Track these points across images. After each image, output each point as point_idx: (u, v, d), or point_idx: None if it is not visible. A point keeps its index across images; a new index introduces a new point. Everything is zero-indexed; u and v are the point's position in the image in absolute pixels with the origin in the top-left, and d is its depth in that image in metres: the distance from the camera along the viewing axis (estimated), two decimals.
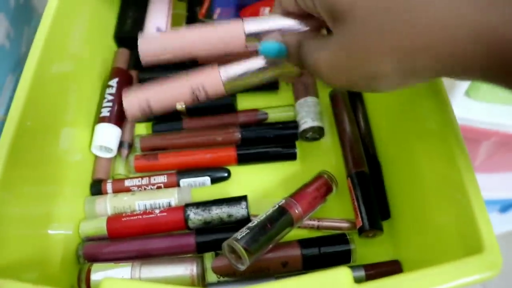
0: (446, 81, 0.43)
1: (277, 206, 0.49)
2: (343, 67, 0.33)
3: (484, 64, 0.28)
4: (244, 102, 0.61)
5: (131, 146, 0.58)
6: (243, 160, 0.56)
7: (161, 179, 0.55)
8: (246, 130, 0.57)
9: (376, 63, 0.31)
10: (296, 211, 0.48)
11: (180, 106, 0.55)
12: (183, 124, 0.59)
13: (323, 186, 0.51)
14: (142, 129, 0.61)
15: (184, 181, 0.55)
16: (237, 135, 0.56)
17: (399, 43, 0.30)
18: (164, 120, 0.60)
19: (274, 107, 0.60)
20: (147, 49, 0.44)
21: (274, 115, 0.59)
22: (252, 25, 0.40)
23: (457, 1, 0.28)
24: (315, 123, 0.56)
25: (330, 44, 0.34)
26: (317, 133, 0.57)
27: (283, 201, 0.49)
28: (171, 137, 0.58)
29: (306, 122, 0.56)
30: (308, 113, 0.57)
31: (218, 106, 0.59)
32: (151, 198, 0.53)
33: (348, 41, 0.32)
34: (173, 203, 0.53)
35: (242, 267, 0.44)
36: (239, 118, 0.59)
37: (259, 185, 0.56)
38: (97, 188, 0.55)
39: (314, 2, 0.34)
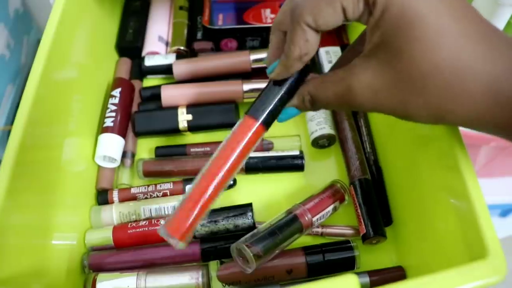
0: None
1: (288, 212, 0.49)
2: (390, 89, 0.34)
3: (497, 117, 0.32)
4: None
5: (134, 155, 0.59)
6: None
7: (167, 186, 0.55)
8: (252, 158, 0.56)
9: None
10: (306, 218, 0.48)
11: (182, 126, 0.56)
12: (186, 149, 0.59)
13: (335, 195, 0.52)
14: (143, 143, 0.61)
15: (189, 187, 0.55)
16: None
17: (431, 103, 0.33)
18: (167, 144, 0.60)
19: (280, 136, 0.59)
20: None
21: (281, 144, 0.59)
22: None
23: (492, 77, 0.31)
24: (332, 131, 0.57)
25: (371, 66, 0.34)
26: (329, 140, 0.58)
27: (294, 208, 0.49)
28: (174, 162, 0.57)
29: (324, 128, 0.57)
30: (326, 120, 0.57)
31: (220, 124, 0.59)
32: (157, 203, 0.53)
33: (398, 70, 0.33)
34: None
35: (249, 270, 0.45)
36: None
37: (265, 193, 0.56)
38: (103, 197, 0.55)
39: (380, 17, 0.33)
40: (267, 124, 0.38)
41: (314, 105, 0.39)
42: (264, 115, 0.38)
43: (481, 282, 0.33)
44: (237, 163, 0.38)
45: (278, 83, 0.38)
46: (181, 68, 0.61)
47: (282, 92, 0.38)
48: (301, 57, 0.36)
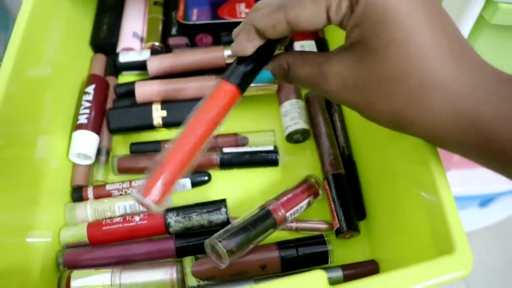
0: None
1: (261, 208, 0.49)
2: (359, 86, 0.35)
3: (476, 149, 0.32)
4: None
5: (109, 152, 0.58)
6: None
7: (142, 182, 0.55)
8: (226, 154, 0.56)
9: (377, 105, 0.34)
10: (280, 213, 0.49)
11: (157, 122, 0.56)
12: (161, 145, 0.58)
13: (309, 189, 0.52)
14: (119, 140, 0.61)
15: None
16: (216, 159, 0.56)
17: (392, 108, 0.34)
18: (142, 140, 0.60)
19: (255, 131, 0.59)
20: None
21: (255, 139, 0.59)
22: None
23: (456, 95, 0.31)
24: (306, 126, 0.57)
25: (346, 59, 0.35)
26: (303, 135, 0.58)
27: (268, 203, 0.50)
28: (149, 159, 0.57)
29: (298, 123, 0.57)
30: (300, 114, 0.57)
31: None
32: (132, 200, 0.53)
33: (372, 68, 0.34)
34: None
35: (223, 266, 0.45)
36: (219, 142, 0.58)
37: (239, 188, 0.57)
38: (78, 194, 0.55)
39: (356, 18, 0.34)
40: (242, 88, 0.38)
41: (287, 76, 0.40)
42: (239, 78, 0.38)
43: (448, 276, 0.34)
44: (213, 126, 0.37)
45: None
46: (155, 64, 0.61)
47: (255, 57, 0.39)
48: (261, 31, 0.36)
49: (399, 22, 0.31)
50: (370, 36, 0.33)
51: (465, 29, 0.53)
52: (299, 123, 0.56)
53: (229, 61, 0.60)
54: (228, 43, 0.65)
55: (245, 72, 0.38)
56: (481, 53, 0.33)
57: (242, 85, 0.38)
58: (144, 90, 0.58)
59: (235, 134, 0.58)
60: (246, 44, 0.37)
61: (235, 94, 0.38)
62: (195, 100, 0.58)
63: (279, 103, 0.60)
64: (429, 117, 0.32)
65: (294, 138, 0.58)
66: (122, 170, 0.56)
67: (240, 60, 0.39)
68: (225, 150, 0.56)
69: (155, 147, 0.58)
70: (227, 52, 0.60)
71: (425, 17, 0.32)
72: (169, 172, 0.36)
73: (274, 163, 0.56)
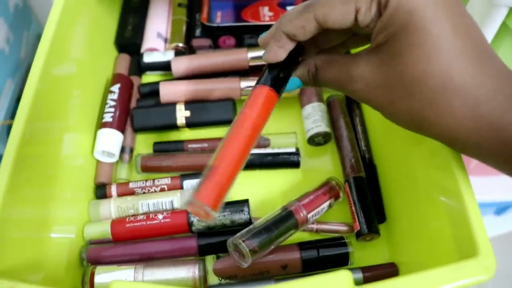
0: None
1: (283, 208, 0.50)
2: (382, 85, 0.36)
3: (495, 153, 0.33)
4: None
5: (132, 151, 0.59)
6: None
7: (165, 181, 0.55)
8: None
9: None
10: (302, 214, 0.49)
11: (180, 122, 0.56)
12: (184, 145, 0.59)
13: (330, 191, 0.53)
14: (142, 139, 0.62)
15: (187, 183, 0.56)
16: None
17: (414, 108, 0.34)
18: (165, 140, 0.61)
19: (277, 133, 0.60)
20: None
21: (277, 141, 0.60)
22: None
23: (477, 100, 0.32)
24: (327, 129, 0.57)
25: (372, 60, 0.36)
26: (325, 138, 0.58)
27: (290, 204, 0.50)
28: (172, 158, 0.57)
29: (320, 126, 0.57)
30: (322, 118, 0.58)
31: (218, 121, 0.59)
32: (154, 198, 0.54)
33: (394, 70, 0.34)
34: (175, 202, 0.53)
35: (245, 265, 0.46)
36: None
37: (261, 189, 0.57)
38: (101, 191, 0.56)
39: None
40: (278, 91, 0.39)
41: (316, 80, 0.41)
42: (275, 82, 0.39)
43: (471, 279, 0.34)
44: (257, 130, 0.38)
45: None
46: (180, 65, 0.61)
47: (286, 62, 0.40)
48: (291, 34, 0.38)
49: (424, 27, 0.32)
50: (395, 39, 0.33)
51: (488, 36, 0.54)
52: (320, 126, 0.57)
53: (252, 63, 0.61)
54: (251, 45, 0.65)
55: (279, 76, 0.39)
56: (504, 60, 0.34)
57: (278, 89, 0.39)
58: (169, 90, 0.59)
59: None
60: (278, 50, 0.38)
61: (273, 97, 0.39)
62: (219, 101, 0.59)
63: (301, 106, 0.60)
64: (450, 118, 0.33)
65: (315, 141, 0.58)
66: (145, 169, 0.57)
67: (272, 66, 0.39)
68: None
69: (178, 146, 0.59)
70: (251, 54, 0.61)
71: (450, 22, 0.32)
72: (223, 176, 0.36)
73: (295, 165, 0.57)
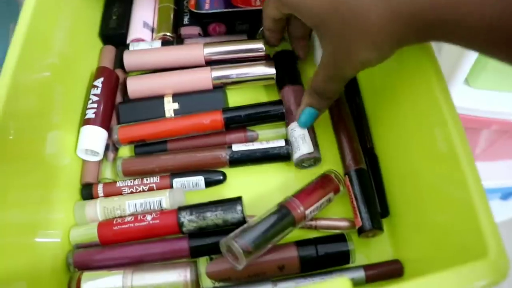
0: (445, 71, 0.42)
1: (279, 205, 0.47)
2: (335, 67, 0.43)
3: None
4: (235, 97, 0.59)
5: (117, 148, 0.56)
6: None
7: (154, 179, 0.53)
8: (235, 151, 0.53)
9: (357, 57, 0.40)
10: (299, 211, 0.47)
11: (169, 115, 0.54)
12: (167, 146, 0.56)
13: (329, 185, 0.50)
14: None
15: (177, 181, 0.53)
16: (225, 156, 0.53)
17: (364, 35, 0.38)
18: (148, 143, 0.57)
19: (264, 126, 0.57)
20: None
21: (265, 135, 0.56)
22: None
23: None
24: (317, 154, 0.53)
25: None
26: (314, 161, 0.55)
27: (286, 200, 0.48)
28: (155, 160, 0.54)
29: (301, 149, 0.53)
30: (306, 138, 0.54)
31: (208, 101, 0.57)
32: (142, 198, 0.51)
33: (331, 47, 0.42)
34: (164, 202, 0.51)
35: (239, 267, 0.44)
36: (227, 138, 0.56)
37: (254, 185, 0.54)
38: (88, 191, 0.53)
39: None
40: None
41: (323, 95, 0.48)
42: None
43: (482, 282, 0.32)
44: None
45: None
46: (132, 59, 0.59)
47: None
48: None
49: None
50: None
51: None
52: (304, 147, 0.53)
53: (208, 58, 0.59)
54: (242, 32, 0.63)
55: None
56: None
57: None
58: (136, 86, 0.57)
59: (244, 130, 0.56)
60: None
61: None
62: (205, 91, 0.57)
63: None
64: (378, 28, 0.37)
65: (304, 165, 0.55)
66: (127, 174, 0.54)
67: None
68: (234, 147, 0.53)
69: (162, 147, 0.56)
70: (208, 50, 0.58)
71: None
72: None
73: (286, 157, 0.54)
